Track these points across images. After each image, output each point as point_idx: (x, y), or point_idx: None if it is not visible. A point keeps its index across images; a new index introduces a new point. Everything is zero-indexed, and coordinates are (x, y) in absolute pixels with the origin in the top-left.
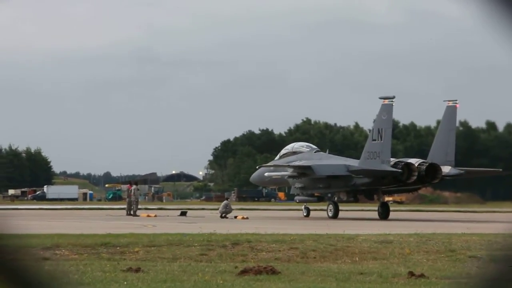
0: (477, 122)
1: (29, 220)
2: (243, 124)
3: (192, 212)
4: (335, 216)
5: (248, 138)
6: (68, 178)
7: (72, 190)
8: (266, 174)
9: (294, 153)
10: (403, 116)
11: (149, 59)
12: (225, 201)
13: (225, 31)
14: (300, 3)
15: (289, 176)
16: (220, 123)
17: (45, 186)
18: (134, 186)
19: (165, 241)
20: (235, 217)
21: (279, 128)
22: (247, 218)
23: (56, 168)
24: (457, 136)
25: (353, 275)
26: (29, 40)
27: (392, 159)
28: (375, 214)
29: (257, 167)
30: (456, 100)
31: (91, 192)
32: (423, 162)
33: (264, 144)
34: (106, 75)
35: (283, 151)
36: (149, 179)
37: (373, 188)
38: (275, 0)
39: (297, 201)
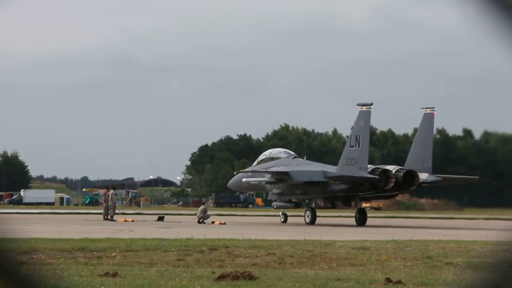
0: (454, 129)
1: (5, 224)
2: (221, 129)
3: (169, 217)
4: (312, 222)
5: (226, 143)
6: (45, 182)
7: (49, 194)
8: (244, 179)
9: (272, 159)
10: (381, 123)
11: (127, 64)
12: (202, 206)
13: (205, 37)
14: (279, 10)
15: (267, 182)
16: (198, 128)
17: (22, 190)
18: (111, 191)
19: (142, 246)
20: (213, 222)
21: (257, 133)
22: (224, 223)
23: (33, 172)
24: (434, 143)
25: (330, 281)
26: (7, 42)
27: (369, 165)
28: (353, 221)
29: (234, 172)
30: (434, 108)
31: (68, 196)
32: (400, 169)
33: (242, 150)
34: (84, 79)
35: (261, 157)
36: (127, 184)
37: (350, 195)
38: (255, 6)
39: (275, 207)
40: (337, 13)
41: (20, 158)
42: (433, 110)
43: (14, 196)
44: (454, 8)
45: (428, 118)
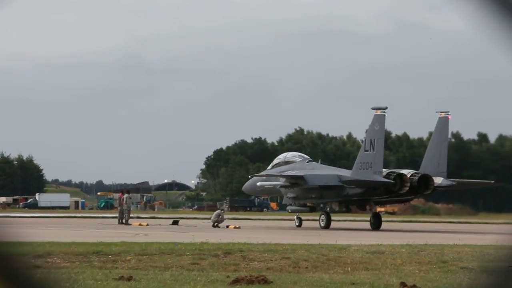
0: (469, 133)
1: (21, 228)
2: (236, 133)
3: (184, 221)
4: (327, 226)
5: (241, 147)
6: (60, 186)
7: (63, 198)
8: (258, 183)
9: (286, 162)
10: (395, 127)
11: (140, 68)
12: (217, 211)
13: (216, 41)
14: (291, 14)
15: (282, 186)
16: (212, 132)
17: (37, 194)
18: (126, 195)
19: (157, 250)
20: (227, 226)
21: (272, 137)
22: (239, 227)
23: (48, 176)
24: (449, 147)
25: (345, 285)
26: (18, 47)
27: (384, 169)
28: (367, 225)
29: (249, 176)
30: (448, 112)
31: (83, 200)
32: (415, 173)
33: (257, 154)
34: (98, 83)
35: (275, 161)
36: (141, 187)
37: (365, 199)
38: (266, 10)
39: (289, 211)
40: (348, 17)
41: (35, 162)
42: (448, 114)
43: (29, 200)
44: (461, 10)
45: (443, 122)
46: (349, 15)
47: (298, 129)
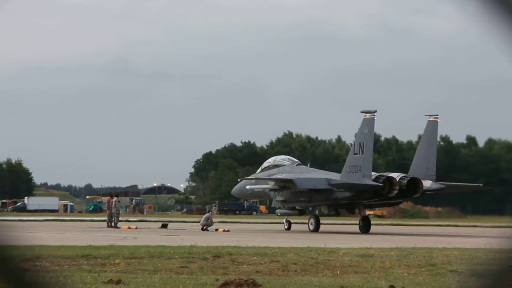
0: (458, 137)
1: (9, 231)
2: (225, 136)
3: (173, 224)
4: (316, 229)
5: (230, 150)
6: (48, 189)
7: (52, 202)
8: (247, 187)
9: (275, 166)
10: (385, 130)
11: (129, 71)
12: (206, 214)
13: (206, 44)
14: (280, 18)
15: (271, 189)
16: (201, 136)
17: (26, 197)
18: (115, 198)
19: (146, 253)
20: (216, 229)
21: (261, 141)
22: (228, 231)
23: (37, 179)
24: (438, 151)
25: None
26: (4, 50)
27: (373, 173)
28: (356, 228)
29: (238, 180)
30: (437, 115)
31: (71, 203)
32: (404, 176)
33: (246, 157)
34: (86, 87)
35: (264, 164)
36: (130, 191)
37: (354, 202)
38: (255, 14)
39: (279, 214)
40: (341, 22)
41: (24, 165)
42: (437, 118)
43: (18, 204)
44: (457, 12)
45: (432, 126)
46: (338, 19)
47: (287, 132)
